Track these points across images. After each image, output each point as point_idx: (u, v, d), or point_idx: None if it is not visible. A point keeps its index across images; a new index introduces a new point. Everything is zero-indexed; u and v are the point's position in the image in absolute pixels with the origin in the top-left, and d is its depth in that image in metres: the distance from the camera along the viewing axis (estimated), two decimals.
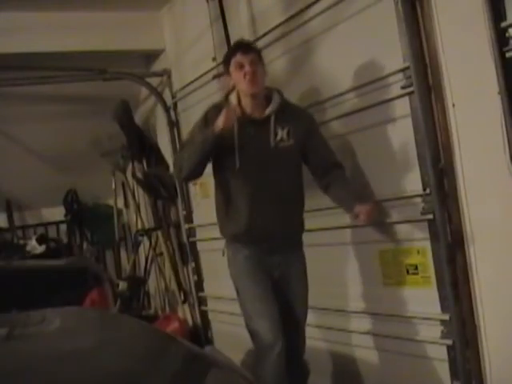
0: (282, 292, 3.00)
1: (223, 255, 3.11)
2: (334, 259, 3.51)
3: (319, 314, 3.61)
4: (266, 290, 2.92)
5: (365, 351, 3.34)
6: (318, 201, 3.45)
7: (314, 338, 3.67)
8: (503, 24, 2.42)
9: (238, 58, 2.91)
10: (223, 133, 2.81)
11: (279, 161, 2.92)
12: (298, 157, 3.00)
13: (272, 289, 2.94)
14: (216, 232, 4.73)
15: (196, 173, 3.00)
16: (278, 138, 2.91)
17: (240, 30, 4.02)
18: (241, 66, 2.89)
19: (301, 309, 3.09)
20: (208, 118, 2.97)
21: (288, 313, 2.98)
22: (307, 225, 3.67)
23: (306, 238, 3.69)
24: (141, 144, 5.52)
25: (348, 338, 3.46)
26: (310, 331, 3.70)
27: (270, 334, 2.81)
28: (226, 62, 2.99)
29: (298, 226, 3.11)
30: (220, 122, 2.79)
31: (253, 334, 2.91)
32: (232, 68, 2.94)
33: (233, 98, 2.97)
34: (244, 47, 2.99)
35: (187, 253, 5.25)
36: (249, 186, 2.91)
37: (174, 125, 5.24)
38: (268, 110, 2.94)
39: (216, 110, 2.95)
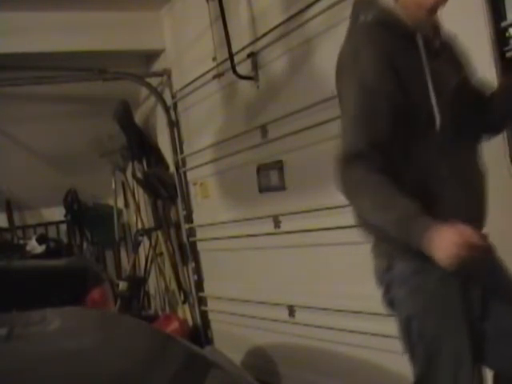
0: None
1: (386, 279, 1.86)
2: (334, 259, 3.50)
3: (320, 315, 3.61)
4: (473, 342, 1.79)
5: (365, 351, 3.34)
6: (318, 201, 3.45)
7: (315, 338, 3.67)
8: (503, 24, 2.42)
9: None
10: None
11: (465, 109, 1.88)
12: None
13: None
14: (216, 232, 4.71)
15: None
16: (456, 73, 1.91)
17: (240, 30, 4.03)
18: None
19: None
20: (382, 49, 1.76)
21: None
22: (307, 225, 3.67)
23: (306, 237, 3.70)
24: (141, 144, 5.52)
25: (348, 338, 3.46)
26: (310, 331, 3.71)
27: None
28: None
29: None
30: (443, 252, 1.60)
31: None
32: None
33: (399, 10, 1.84)
34: None
35: (187, 253, 5.25)
36: (455, 157, 1.81)
37: (174, 125, 5.24)
38: (441, 34, 1.91)
39: (380, 32, 1.80)
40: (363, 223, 1.88)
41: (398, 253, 1.76)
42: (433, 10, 1.82)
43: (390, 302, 1.86)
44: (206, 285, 5.17)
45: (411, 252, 1.71)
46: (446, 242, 1.59)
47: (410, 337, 1.82)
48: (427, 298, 1.78)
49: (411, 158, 1.77)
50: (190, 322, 5.30)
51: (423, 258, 1.69)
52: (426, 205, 1.69)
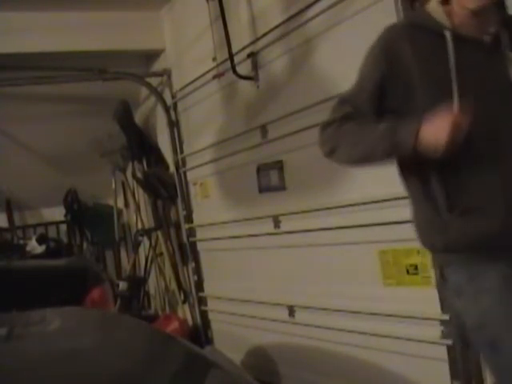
0: None
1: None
2: (334, 259, 3.50)
3: (320, 314, 3.61)
4: None
5: (365, 351, 3.34)
6: (318, 201, 3.45)
7: (315, 338, 3.67)
8: None
9: None
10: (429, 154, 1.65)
11: None
12: None
13: None
14: (216, 232, 4.71)
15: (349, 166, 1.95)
16: None
17: (240, 30, 4.03)
18: None
19: None
20: (387, 48, 1.80)
21: None
22: (307, 225, 3.67)
23: (306, 237, 3.70)
24: (141, 144, 5.52)
25: (348, 338, 3.46)
26: (310, 331, 3.71)
27: None
28: None
29: None
30: (432, 137, 1.62)
31: None
32: None
33: (435, 8, 1.80)
34: None
35: (187, 253, 5.25)
36: (487, 150, 1.73)
37: (174, 125, 5.24)
38: (494, 27, 1.80)
39: (400, 33, 1.82)
40: (419, 235, 1.86)
41: (447, 264, 1.74)
42: (477, 12, 1.75)
43: (453, 310, 1.86)
44: (206, 285, 5.16)
45: (460, 260, 1.71)
46: (435, 130, 1.62)
47: (481, 345, 1.78)
48: (491, 300, 1.71)
49: None
50: (190, 322, 5.30)
51: (475, 263, 1.70)
52: (451, 188, 1.72)
